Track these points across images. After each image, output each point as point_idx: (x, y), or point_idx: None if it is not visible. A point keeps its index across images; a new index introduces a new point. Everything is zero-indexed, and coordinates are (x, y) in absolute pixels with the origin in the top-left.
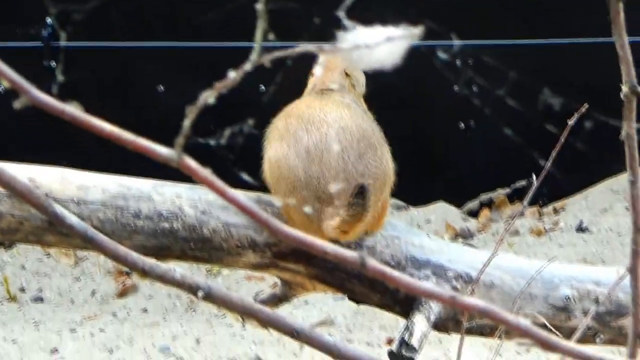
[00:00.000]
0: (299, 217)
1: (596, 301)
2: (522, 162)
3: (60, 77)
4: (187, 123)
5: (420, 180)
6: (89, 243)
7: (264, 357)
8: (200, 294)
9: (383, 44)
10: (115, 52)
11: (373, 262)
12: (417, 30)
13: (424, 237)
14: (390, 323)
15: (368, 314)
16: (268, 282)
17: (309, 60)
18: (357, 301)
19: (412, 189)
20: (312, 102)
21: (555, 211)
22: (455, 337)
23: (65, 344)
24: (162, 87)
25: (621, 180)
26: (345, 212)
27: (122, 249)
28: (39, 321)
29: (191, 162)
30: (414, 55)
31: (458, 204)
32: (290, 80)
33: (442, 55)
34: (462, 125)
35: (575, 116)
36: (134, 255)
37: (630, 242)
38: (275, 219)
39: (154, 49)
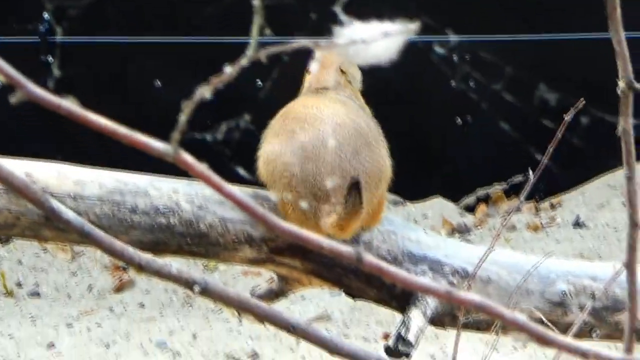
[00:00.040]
0: (295, 214)
1: (593, 296)
2: (519, 157)
3: (56, 72)
4: (183, 118)
5: (417, 176)
6: (85, 238)
7: (261, 352)
8: (196, 289)
9: (379, 39)
10: (111, 47)
11: (369, 257)
12: (414, 26)
13: (420, 232)
14: (386, 318)
15: (365, 309)
16: (265, 277)
17: (305, 55)
18: (354, 296)
19: (409, 184)
20: (307, 101)
21: (552, 206)
22: (451, 332)
23: (62, 338)
24: (159, 82)
25: (618, 176)
26: (342, 208)
27: (119, 244)
28: (35, 316)
29: (187, 157)
30: (410, 50)
31: (455, 199)
32: (287, 76)
33: (439, 50)
34: (459, 120)
35: (572, 111)
36: (131, 250)
37: (627, 237)
38: (272, 214)
39: (150, 44)
